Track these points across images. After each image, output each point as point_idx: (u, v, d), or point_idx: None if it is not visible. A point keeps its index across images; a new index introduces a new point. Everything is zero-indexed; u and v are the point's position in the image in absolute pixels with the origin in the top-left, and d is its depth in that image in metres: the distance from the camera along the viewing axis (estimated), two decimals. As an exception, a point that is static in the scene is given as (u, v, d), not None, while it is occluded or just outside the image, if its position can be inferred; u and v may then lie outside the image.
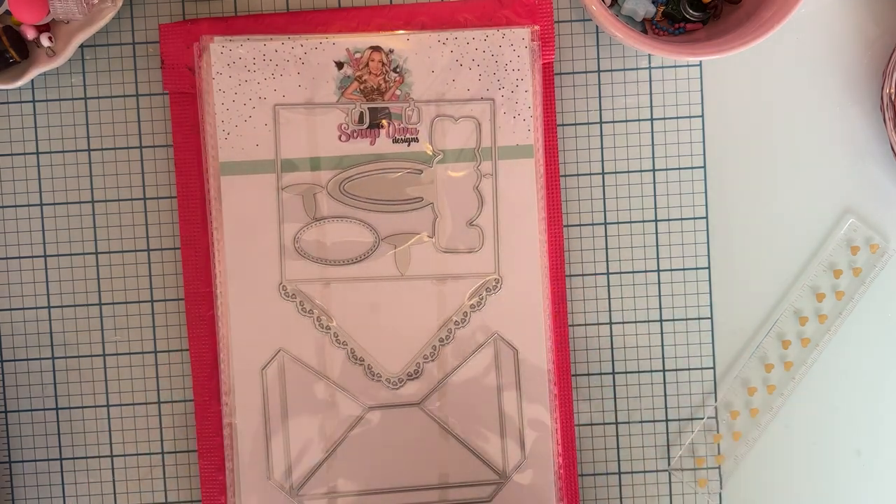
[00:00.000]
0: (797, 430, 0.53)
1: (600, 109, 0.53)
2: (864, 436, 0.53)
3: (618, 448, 0.53)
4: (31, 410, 0.53)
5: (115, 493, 0.53)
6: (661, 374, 0.53)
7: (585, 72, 0.53)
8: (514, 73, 0.51)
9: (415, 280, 0.51)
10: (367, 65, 0.51)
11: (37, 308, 0.53)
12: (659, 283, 0.53)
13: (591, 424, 0.53)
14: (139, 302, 0.53)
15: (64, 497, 0.53)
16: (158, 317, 0.53)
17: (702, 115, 0.53)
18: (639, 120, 0.53)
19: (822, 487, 0.53)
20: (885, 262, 0.53)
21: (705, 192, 0.53)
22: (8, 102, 0.52)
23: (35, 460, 0.53)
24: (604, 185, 0.53)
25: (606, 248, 0.53)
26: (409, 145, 0.51)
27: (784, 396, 0.53)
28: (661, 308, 0.53)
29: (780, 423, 0.53)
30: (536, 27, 0.51)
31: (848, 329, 0.53)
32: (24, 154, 0.52)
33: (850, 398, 0.53)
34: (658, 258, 0.53)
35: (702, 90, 0.53)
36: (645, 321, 0.53)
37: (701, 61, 0.53)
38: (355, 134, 0.51)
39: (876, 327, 0.53)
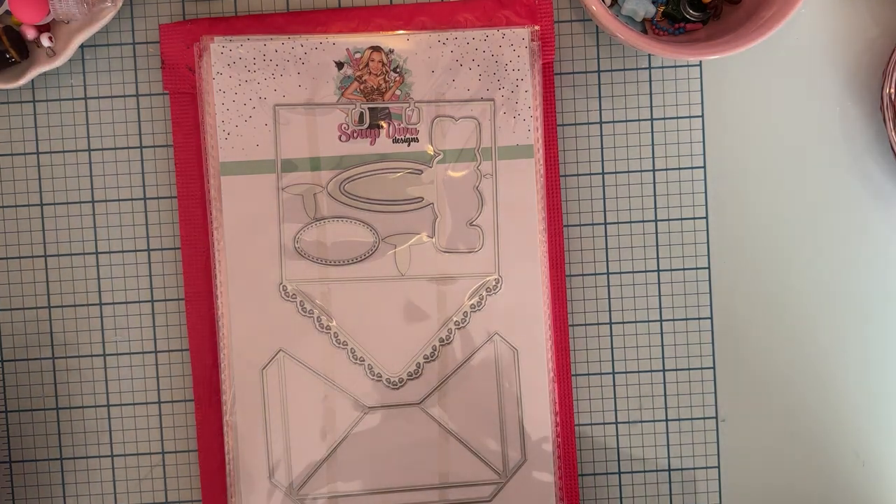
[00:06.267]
0: (797, 432, 0.53)
1: (600, 109, 0.53)
2: (865, 439, 0.53)
3: (618, 448, 0.53)
4: (32, 410, 0.53)
5: (115, 493, 0.53)
6: (661, 374, 0.53)
7: (585, 72, 0.53)
8: (514, 73, 0.51)
9: (415, 280, 0.51)
10: (367, 65, 0.51)
11: (37, 308, 0.53)
12: (659, 283, 0.53)
13: (591, 424, 0.53)
14: (139, 302, 0.53)
15: (64, 497, 0.53)
16: (158, 317, 0.53)
17: (702, 115, 0.53)
18: (639, 120, 0.53)
19: (823, 490, 0.53)
20: (885, 263, 0.53)
21: (705, 192, 0.53)
22: (8, 102, 0.52)
23: (35, 460, 0.53)
24: (604, 185, 0.53)
25: (606, 248, 0.53)
26: (409, 145, 0.51)
27: (784, 398, 0.53)
28: (661, 308, 0.53)
29: (780, 424, 0.53)
30: (536, 27, 0.51)
31: (849, 329, 0.53)
32: (24, 154, 0.52)
33: (851, 401, 0.53)
34: (658, 258, 0.53)
35: (702, 90, 0.53)
36: (645, 321, 0.53)
37: (701, 61, 0.53)
38: (355, 134, 0.51)
39: (878, 328, 0.53)
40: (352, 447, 0.51)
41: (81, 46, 0.52)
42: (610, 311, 0.53)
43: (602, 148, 0.53)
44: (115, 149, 0.52)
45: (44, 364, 0.53)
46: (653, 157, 0.53)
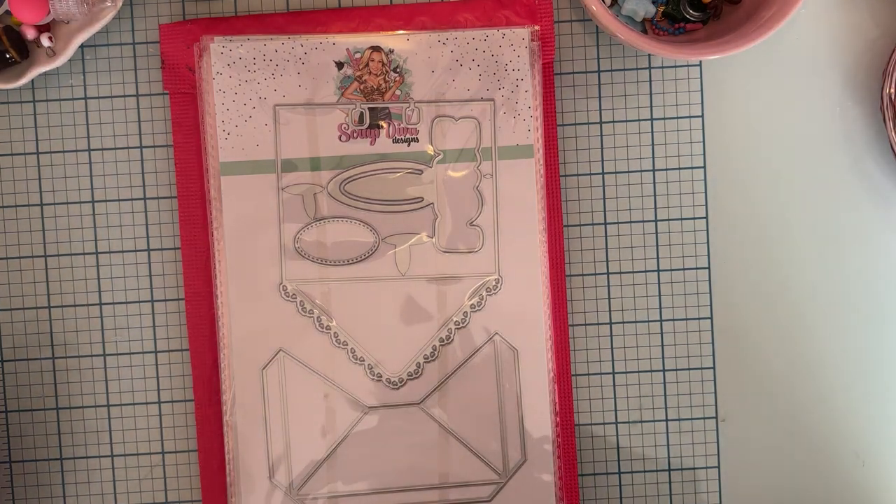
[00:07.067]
0: (797, 432, 0.53)
1: (600, 109, 0.53)
2: (865, 439, 0.53)
3: (618, 448, 0.53)
4: (32, 410, 0.53)
5: (115, 493, 0.53)
6: (661, 374, 0.53)
7: (585, 72, 0.53)
8: (514, 73, 0.51)
9: (415, 280, 0.51)
10: (367, 65, 0.51)
11: (37, 308, 0.53)
12: (659, 283, 0.53)
13: (591, 424, 0.53)
14: (139, 302, 0.53)
15: (64, 497, 0.53)
16: (158, 317, 0.53)
17: (702, 115, 0.53)
18: (639, 120, 0.53)
19: (823, 490, 0.53)
20: (885, 264, 0.53)
21: (705, 192, 0.53)
22: (8, 102, 0.52)
23: (35, 460, 0.53)
24: (604, 185, 0.53)
25: (606, 248, 0.53)
26: (409, 145, 0.51)
27: (784, 398, 0.53)
28: (661, 308, 0.53)
29: (780, 424, 0.53)
30: (536, 27, 0.51)
31: (849, 329, 0.53)
32: (24, 154, 0.52)
33: (851, 401, 0.53)
34: (658, 258, 0.53)
35: (702, 90, 0.53)
36: (645, 321, 0.53)
37: (701, 61, 0.53)
38: (355, 134, 0.51)
39: (878, 329, 0.53)
40: (352, 447, 0.51)
41: (81, 46, 0.52)
42: (610, 311, 0.53)
43: (602, 148, 0.53)
44: (115, 149, 0.52)
45: (44, 364, 0.53)
46: (653, 157, 0.53)
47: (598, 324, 0.53)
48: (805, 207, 0.53)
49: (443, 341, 0.51)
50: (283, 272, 0.51)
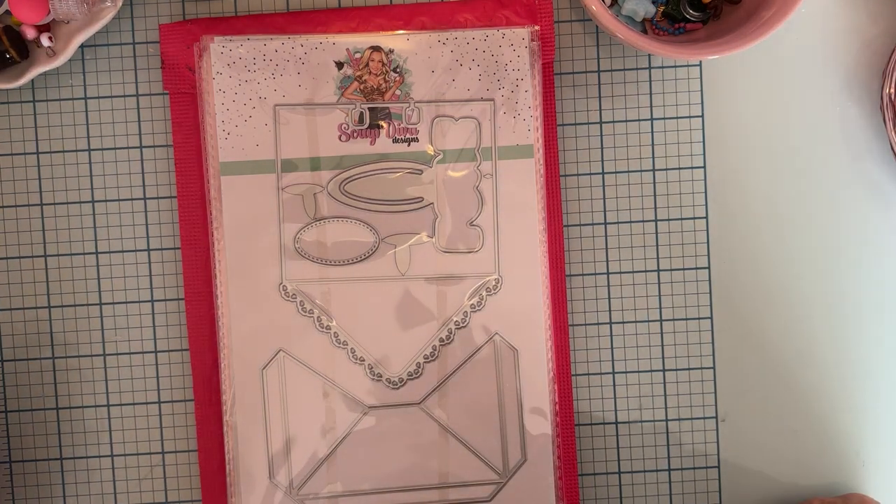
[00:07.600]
0: (797, 432, 0.53)
1: (600, 109, 0.53)
2: (865, 439, 0.53)
3: (618, 448, 0.53)
4: (32, 410, 0.53)
5: (115, 493, 0.53)
6: (661, 374, 0.53)
7: (585, 72, 0.53)
8: (514, 73, 0.51)
9: (415, 280, 0.51)
10: (367, 65, 0.51)
11: (37, 308, 0.53)
12: (659, 283, 0.53)
13: (591, 424, 0.53)
14: (139, 302, 0.53)
15: (64, 497, 0.53)
16: (158, 317, 0.53)
17: (702, 115, 0.53)
18: (639, 120, 0.53)
19: (823, 491, 0.53)
20: (885, 264, 0.53)
21: (705, 192, 0.53)
22: (8, 102, 0.52)
23: (35, 460, 0.53)
24: (604, 185, 0.53)
25: (606, 248, 0.53)
26: (409, 145, 0.51)
27: (784, 397, 0.53)
28: (661, 308, 0.53)
29: (780, 424, 0.53)
30: (536, 27, 0.51)
31: (850, 329, 0.53)
32: (24, 154, 0.52)
33: (852, 401, 0.53)
34: (658, 258, 0.53)
35: (702, 90, 0.53)
36: (645, 321, 0.53)
37: (701, 61, 0.53)
38: (355, 134, 0.51)
39: (878, 328, 0.53)
40: (352, 447, 0.51)
41: (81, 46, 0.52)
42: (610, 311, 0.53)
43: (602, 148, 0.53)
44: (115, 149, 0.52)
45: (44, 364, 0.53)
46: (653, 157, 0.53)
47: (598, 324, 0.53)
48: (805, 207, 0.53)
49: (443, 341, 0.51)
50: (283, 272, 0.51)
